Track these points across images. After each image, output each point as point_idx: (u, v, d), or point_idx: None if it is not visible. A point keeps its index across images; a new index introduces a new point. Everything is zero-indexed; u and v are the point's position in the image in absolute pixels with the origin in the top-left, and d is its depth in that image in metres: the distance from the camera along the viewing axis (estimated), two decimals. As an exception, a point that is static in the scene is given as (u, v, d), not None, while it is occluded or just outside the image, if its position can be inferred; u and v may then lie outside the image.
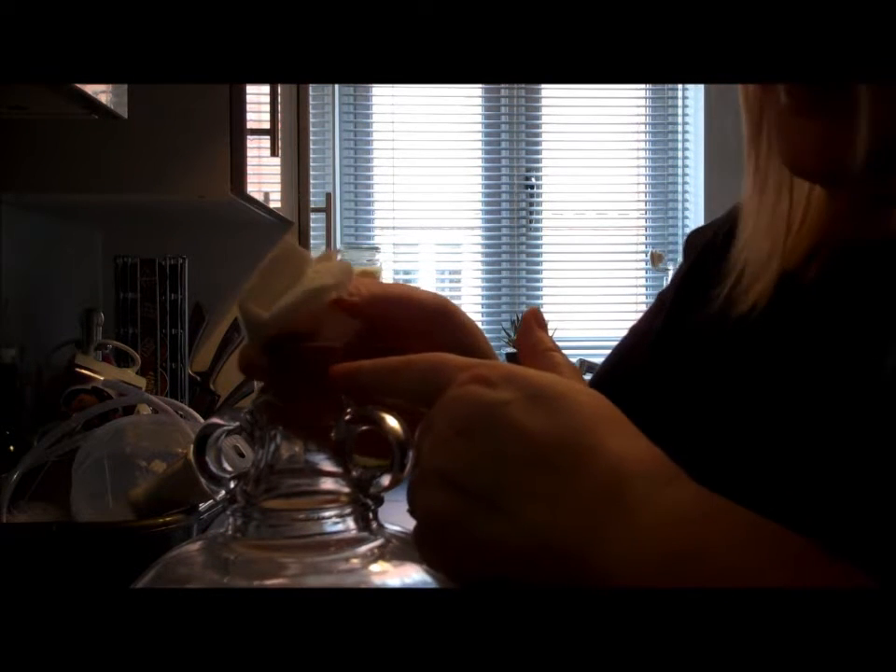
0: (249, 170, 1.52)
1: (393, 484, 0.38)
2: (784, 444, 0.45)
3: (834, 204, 0.50)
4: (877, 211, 0.48)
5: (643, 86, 2.78)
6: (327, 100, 2.63)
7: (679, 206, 2.85)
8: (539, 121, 2.82)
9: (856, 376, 0.44)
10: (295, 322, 0.39)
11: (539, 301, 2.80)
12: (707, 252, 0.58)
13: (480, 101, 2.80)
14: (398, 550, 0.37)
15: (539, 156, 2.82)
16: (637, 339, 0.62)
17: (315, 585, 0.34)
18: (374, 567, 0.35)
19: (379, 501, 0.38)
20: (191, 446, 0.38)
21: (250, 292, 0.40)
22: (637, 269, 2.85)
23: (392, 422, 0.37)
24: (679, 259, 2.97)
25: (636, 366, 0.59)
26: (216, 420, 0.38)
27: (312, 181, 2.01)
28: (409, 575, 0.36)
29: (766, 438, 0.46)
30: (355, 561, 0.35)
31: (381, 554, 0.36)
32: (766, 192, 0.52)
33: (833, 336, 0.46)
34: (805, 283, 0.49)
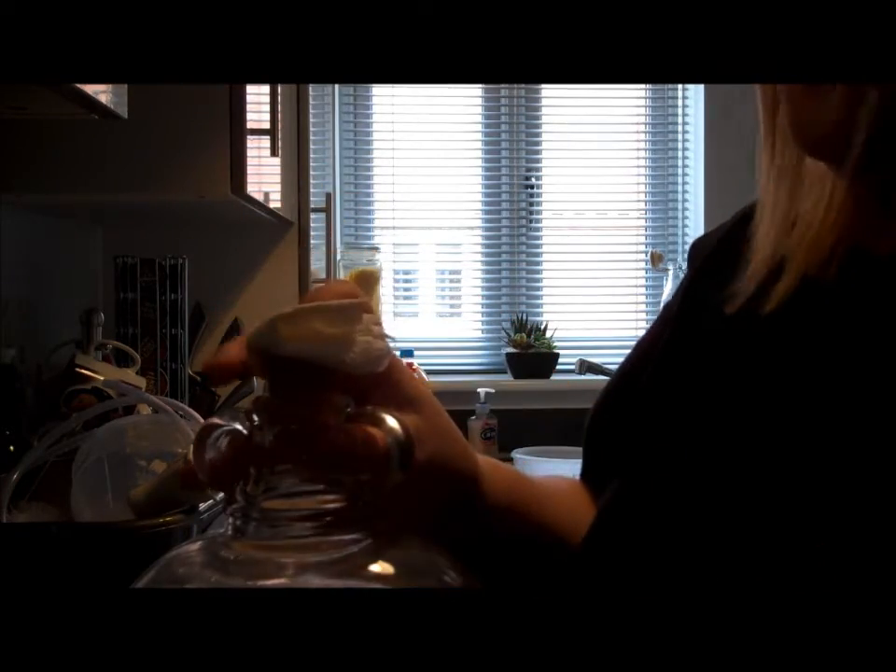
0: (249, 170, 1.52)
1: (393, 484, 0.38)
2: (800, 448, 0.44)
3: (857, 203, 0.49)
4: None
5: (643, 86, 2.78)
6: (327, 100, 2.63)
7: (679, 206, 2.85)
8: (539, 121, 2.82)
9: (872, 380, 0.44)
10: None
11: (539, 301, 2.80)
12: (714, 256, 0.57)
13: (480, 101, 2.80)
14: (396, 550, 0.37)
15: (539, 156, 2.82)
16: (644, 352, 0.61)
17: (315, 585, 0.34)
18: (374, 568, 0.35)
19: (379, 501, 0.38)
20: (191, 446, 0.38)
21: (290, 315, 0.37)
22: (637, 269, 2.85)
23: (392, 422, 0.37)
24: (679, 259, 2.96)
25: (645, 379, 0.57)
26: (216, 420, 0.38)
27: (312, 181, 2.01)
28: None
29: (783, 442, 0.45)
30: (354, 561, 0.35)
31: (380, 555, 0.36)
32: (781, 186, 0.51)
33: (851, 340, 0.46)
34: (825, 285, 0.48)
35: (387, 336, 0.39)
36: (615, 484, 0.53)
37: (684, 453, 0.49)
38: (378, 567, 0.35)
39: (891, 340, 0.44)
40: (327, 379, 0.37)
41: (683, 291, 0.59)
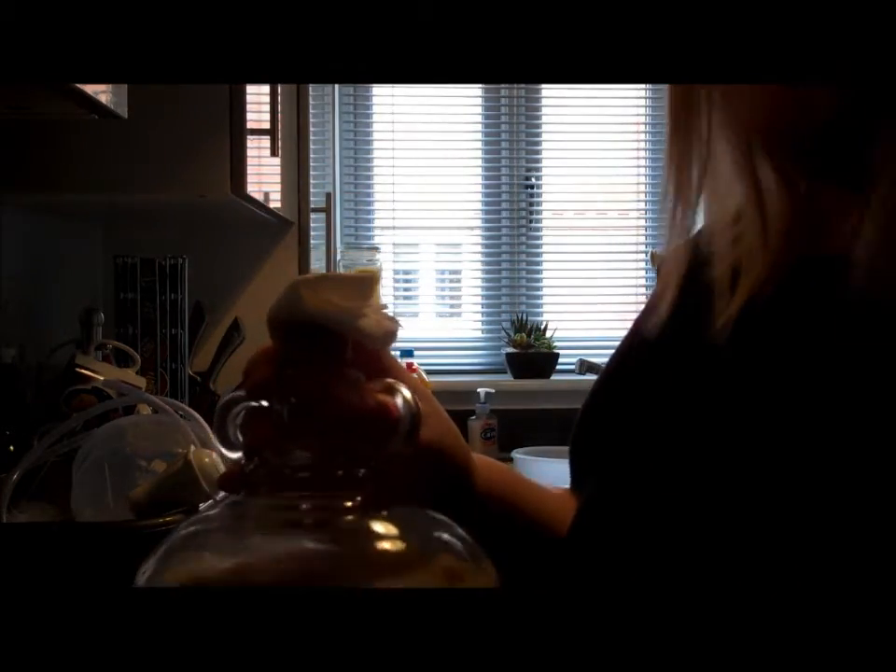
0: (249, 170, 1.52)
1: (398, 452, 0.39)
2: (769, 454, 0.44)
3: (793, 216, 0.48)
4: (835, 223, 0.47)
5: (643, 86, 2.78)
6: (327, 100, 2.63)
7: (679, 206, 2.85)
8: (539, 121, 2.82)
9: (816, 392, 0.44)
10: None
11: (539, 301, 2.80)
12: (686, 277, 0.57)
13: (480, 101, 2.80)
14: (402, 512, 0.38)
15: (539, 156, 2.82)
16: (618, 366, 0.62)
17: (321, 547, 0.35)
18: (379, 528, 0.36)
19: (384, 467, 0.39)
20: (193, 441, 0.38)
21: (312, 280, 0.39)
22: (637, 269, 2.85)
23: (406, 392, 0.39)
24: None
25: (622, 394, 0.59)
26: (238, 394, 0.39)
27: (312, 181, 2.01)
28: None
29: (746, 449, 0.45)
30: (360, 523, 0.36)
31: (386, 517, 0.37)
32: (717, 191, 0.50)
33: (796, 354, 0.45)
34: (768, 299, 0.47)
35: (395, 319, 0.40)
36: (592, 483, 0.54)
37: (658, 461, 0.49)
38: (382, 528, 0.36)
39: (850, 340, 0.44)
40: (341, 347, 0.39)
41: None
